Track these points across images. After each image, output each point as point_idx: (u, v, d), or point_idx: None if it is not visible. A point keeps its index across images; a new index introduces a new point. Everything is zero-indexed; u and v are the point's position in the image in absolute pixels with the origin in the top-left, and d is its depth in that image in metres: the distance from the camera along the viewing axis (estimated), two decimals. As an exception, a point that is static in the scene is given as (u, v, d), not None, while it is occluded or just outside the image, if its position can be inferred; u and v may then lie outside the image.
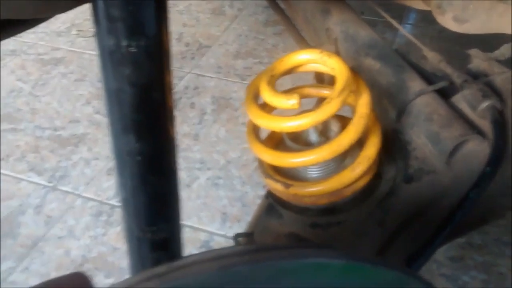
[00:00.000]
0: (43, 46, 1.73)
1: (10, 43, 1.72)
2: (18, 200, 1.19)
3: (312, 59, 0.65)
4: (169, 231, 0.48)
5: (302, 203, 0.65)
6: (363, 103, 0.61)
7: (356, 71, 0.65)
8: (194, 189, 1.20)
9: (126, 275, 0.42)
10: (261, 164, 0.67)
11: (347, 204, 0.64)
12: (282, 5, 1.14)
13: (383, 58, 0.74)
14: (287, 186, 0.62)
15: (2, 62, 1.66)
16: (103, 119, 1.39)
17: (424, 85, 0.68)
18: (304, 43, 0.99)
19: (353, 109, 0.62)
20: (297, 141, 0.64)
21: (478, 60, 0.71)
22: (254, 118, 0.62)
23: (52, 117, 1.43)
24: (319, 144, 0.62)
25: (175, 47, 1.64)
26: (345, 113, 0.64)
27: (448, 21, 0.78)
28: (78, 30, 1.80)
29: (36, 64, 1.65)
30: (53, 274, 1.02)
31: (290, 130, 0.62)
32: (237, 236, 0.67)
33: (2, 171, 1.26)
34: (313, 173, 0.64)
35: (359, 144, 0.62)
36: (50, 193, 1.20)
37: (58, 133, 1.38)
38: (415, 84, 0.69)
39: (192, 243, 1.08)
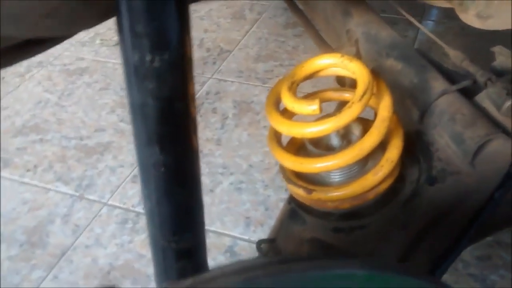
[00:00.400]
0: (68, 57, 1.77)
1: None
2: (47, 209, 1.21)
3: (332, 64, 0.64)
4: (193, 241, 0.48)
5: (325, 208, 0.65)
6: (385, 106, 0.61)
7: (378, 73, 0.64)
8: (217, 194, 1.21)
9: (151, 282, 0.42)
10: (283, 169, 0.66)
11: (370, 208, 0.64)
12: (300, 6, 1.14)
13: (405, 59, 0.73)
14: (310, 191, 0.62)
15: (29, 74, 1.70)
16: (128, 127, 1.41)
17: (447, 85, 0.67)
18: (324, 45, 0.98)
19: (375, 112, 0.62)
20: (318, 145, 0.64)
21: (502, 57, 0.69)
22: (275, 125, 0.62)
23: (78, 126, 1.46)
24: (341, 148, 0.61)
25: (197, 53, 1.66)
26: (366, 114, 0.63)
27: (471, 18, 0.77)
28: (102, 40, 1.83)
29: (62, 75, 1.68)
30: (81, 283, 1.04)
31: (311, 136, 0.62)
32: (260, 242, 0.67)
33: (31, 182, 1.29)
34: (336, 177, 0.63)
35: (381, 146, 0.62)
36: (77, 202, 1.23)
37: (84, 142, 1.40)
38: (438, 83, 0.68)
39: (216, 248, 1.08)
